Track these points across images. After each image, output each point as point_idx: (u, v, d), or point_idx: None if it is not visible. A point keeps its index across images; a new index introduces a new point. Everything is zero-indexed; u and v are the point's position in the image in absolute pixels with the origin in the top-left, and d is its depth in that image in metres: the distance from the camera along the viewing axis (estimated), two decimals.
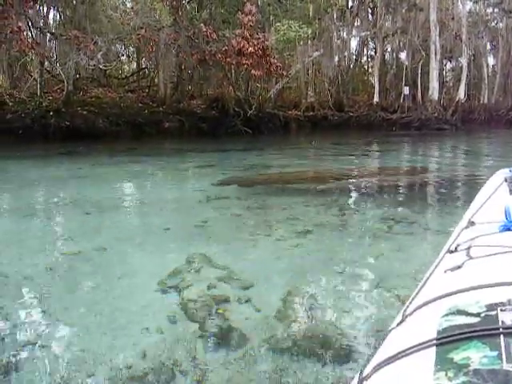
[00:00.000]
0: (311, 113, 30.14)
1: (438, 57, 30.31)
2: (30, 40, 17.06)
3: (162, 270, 4.68)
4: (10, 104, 21.05)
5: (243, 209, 7.62)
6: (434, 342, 1.13)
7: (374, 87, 32.29)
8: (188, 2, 24.79)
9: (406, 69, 32.07)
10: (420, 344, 1.13)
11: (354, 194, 9.59)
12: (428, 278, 1.65)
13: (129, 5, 21.70)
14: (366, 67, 38.89)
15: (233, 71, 24.53)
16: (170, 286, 4.33)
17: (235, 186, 9.78)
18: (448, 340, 1.12)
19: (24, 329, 3.67)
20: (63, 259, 5.14)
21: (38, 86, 22.16)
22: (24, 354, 3.34)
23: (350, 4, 31.43)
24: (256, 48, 20.06)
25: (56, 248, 5.59)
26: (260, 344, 3.35)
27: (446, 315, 1.23)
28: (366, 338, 3.44)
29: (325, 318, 3.80)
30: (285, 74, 23.80)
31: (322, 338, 3.42)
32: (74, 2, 21.11)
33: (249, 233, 6.18)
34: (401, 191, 10.09)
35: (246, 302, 4.03)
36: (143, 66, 30.85)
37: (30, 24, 19.37)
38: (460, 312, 1.22)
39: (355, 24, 32.64)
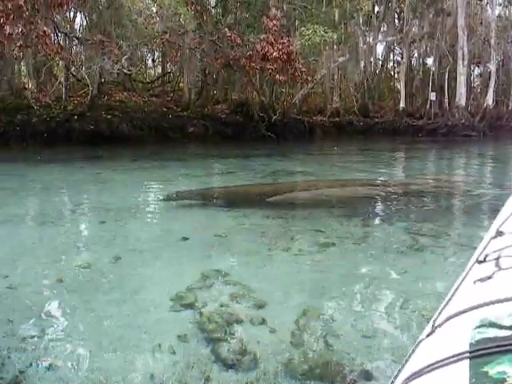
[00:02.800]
0: (336, 118, 29.89)
1: (466, 62, 29.86)
2: (55, 44, 17.11)
3: (176, 285, 4.50)
4: (36, 108, 21.17)
5: (262, 218, 7.42)
6: (467, 354, 1.06)
7: (400, 93, 31.96)
8: (213, 7, 24.75)
9: (433, 74, 31.67)
10: (452, 356, 1.07)
11: (377, 204, 9.23)
12: (457, 289, 1.56)
13: (154, 9, 21.67)
14: (392, 73, 38.49)
15: (257, 76, 24.39)
16: (183, 303, 4.15)
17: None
18: (482, 353, 1.05)
19: (32, 344, 3.53)
20: (75, 271, 4.99)
21: (64, 90, 22.29)
22: (31, 372, 3.21)
23: (376, 9, 31.09)
24: (280, 53, 19.91)
25: (68, 259, 5.45)
26: (274, 369, 3.16)
27: (478, 327, 1.16)
28: (387, 365, 3.21)
29: (343, 342, 3.56)
30: (310, 79, 23.61)
31: (339, 364, 3.21)
32: (100, 6, 21.17)
33: (268, 245, 5.95)
34: (426, 201, 9.74)
35: (261, 323, 3.83)
36: (168, 71, 30.88)
37: (56, 29, 19.46)
38: (492, 324, 1.16)
39: (381, 29, 32.34)
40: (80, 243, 6.13)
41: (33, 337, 3.62)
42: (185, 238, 6.13)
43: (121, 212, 7.80)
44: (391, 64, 38.29)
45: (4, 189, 10.47)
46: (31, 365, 3.29)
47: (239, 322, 3.83)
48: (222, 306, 4.12)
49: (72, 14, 23.17)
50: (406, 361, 1.20)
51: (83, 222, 7.60)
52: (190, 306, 4.11)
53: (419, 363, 1.13)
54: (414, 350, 1.25)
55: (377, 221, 7.79)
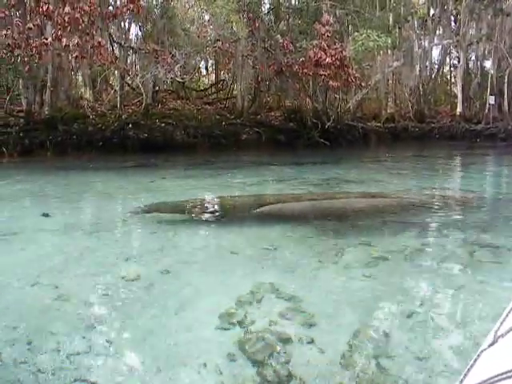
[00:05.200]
0: (391, 124, 29.38)
1: None
2: (110, 55, 17.40)
3: (224, 300, 4.39)
4: (91, 117, 21.58)
5: (312, 231, 7.23)
6: None
7: (457, 97, 31.17)
8: (265, 14, 24.72)
9: (492, 77, 30.73)
10: None
11: (431, 215, 8.78)
12: None
13: (206, 18, 21.81)
14: (448, 77, 37.61)
15: (310, 82, 24.20)
16: (230, 320, 4.03)
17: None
18: None
19: (76, 360, 3.46)
20: (122, 284, 4.93)
21: (118, 98, 22.65)
22: None
23: (432, 11, 30.42)
24: (334, 59, 19.69)
25: (116, 270, 5.39)
26: None
27: None
28: None
29: (396, 365, 3.36)
30: (364, 84, 23.27)
31: None
32: (154, 16, 21.45)
33: (317, 259, 5.75)
34: (485, 210, 9.31)
35: (309, 342, 3.65)
36: (221, 78, 31.03)
37: (111, 39, 19.79)
38: None
39: (437, 32, 31.61)
40: (128, 254, 6.08)
41: (78, 353, 3.56)
42: (233, 253, 6.01)
43: (170, 222, 7.74)
44: (447, 68, 37.41)
45: (55, 197, 10.65)
46: (75, 381, 3.23)
47: (287, 340, 3.67)
48: (270, 323, 3.97)
49: (127, 24, 23.56)
50: (468, 371, 1.15)
51: (132, 232, 7.57)
52: (238, 323, 3.98)
53: (481, 375, 1.07)
54: (475, 361, 1.19)
55: (430, 233, 7.45)
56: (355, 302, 4.45)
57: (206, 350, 3.58)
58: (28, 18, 16.80)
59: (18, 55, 15.90)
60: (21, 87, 20.49)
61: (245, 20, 20.39)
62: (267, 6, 26.12)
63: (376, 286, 4.85)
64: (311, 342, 3.64)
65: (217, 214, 8.16)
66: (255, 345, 3.58)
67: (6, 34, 15.69)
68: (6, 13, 16.09)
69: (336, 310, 4.27)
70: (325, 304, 4.38)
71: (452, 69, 36.82)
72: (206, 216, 7.84)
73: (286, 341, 3.67)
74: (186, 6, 22.99)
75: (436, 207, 9.39)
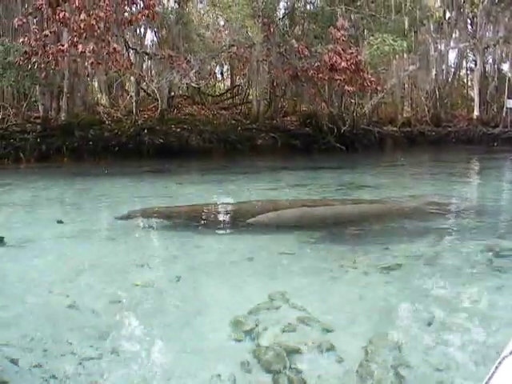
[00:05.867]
0: (407, 128, 29.22)
1: None
2: (126, 61, 17.47)
3: (237, 308, 4.34)
4: (107, 122, 21.70)
5: (326, 238, 7.17)
6: None
7: (474, 101, 30.90)
8: (280, 19, 24.70)
9: (509, 80, 30.43)
10: None
11: (447, 221, 8.68)
12: None
13: (221, 23, 21.83)
14: (464, 80, 37.32)
15: (326, 87, 24.13)
16: (244, 328, 3.98)
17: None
18: None
19: (89, 368, 3.44)
20: (134, 291, 4.91)
21: (134, 104, 22.75)
22: None
23: (448, 15, 30.21)
24: (349, 63, 19.60)
25: (128, 277, 5.37)
26: None
27: None
28: None
29: (414, 376, 3.29)
30: (379, 89, 23.15)
31: None
32: (169, 22, 21.51)
33: (332, 265, 5.68)
34: (503, 217, 9.16)
35: (326, 351, 3.59)
36: (237, 83, 31.05)
37: (126, 45, 19.89)
38: None
39: (453, 35, 31.37)
40: (142, 261, 6.06)
41: (91, 358, 3.54)
42: (250, 259, 5.97)
43: (185, 228, 7.71)
44: (464, 71, 37.13)
45: (71, 203, 10.71)
46: None
47: (302, 349, 3.62)
48: (284, 331, 3.93)
49: (142, 30, 23.69)
50: (489, 378, 1.15)
51: (147, 239, 7.55)
52: (252, 331, 3.93)
53: (503, 381, 1.09)
54: (497, 368, 1.20)
55: (448, 239, 7.33)
56: (373, 309, 4.40)
57: (219, 359, 3.55)
58: (45, 25, 16.94)
59: (34, 62, 16.02)
60: (38, 94, 20.65)
61: (260, 25, 20.36)
62: (282, 10, 26.10)
63: (394, 293, 4.78)
64: (327, 350, 3.59)
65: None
66: (269, 353, 3.54)
67: (23, 41, 15.84)
68: (24, 20, 16.24)
69: (353, 317, 4.22)
70: (342, 311, 4.33)
71: (469, 72, 36.54)
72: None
73: (300, 350, 3.62)
74: (201, 11, 23.05)
75: (452, 213, 9.29)
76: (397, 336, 3.88)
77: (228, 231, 7.88)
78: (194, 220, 8.11)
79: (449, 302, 4.57)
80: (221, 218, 8.96)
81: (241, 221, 7.82)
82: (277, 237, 7.13)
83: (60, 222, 8.05)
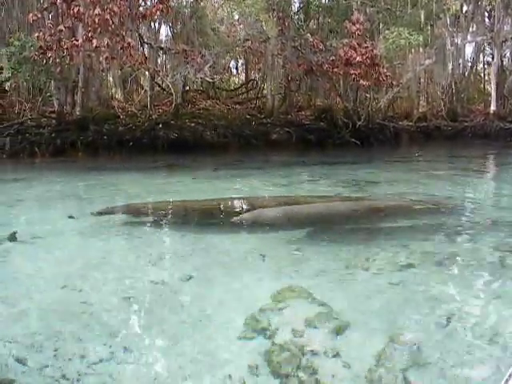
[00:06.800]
0: (423, 123, 28.98)
1: None
2: (140, 55, 17.48)
3: (249, 306, 4.30)
4: (122, 117, 21.75)
5: (340, 234, 7.09)
6: None
7: (491, 95, 30.57)
8: (295, 13, 24.58)
9: None
10: None
11: (462, 218, 8.52)
12: None
13: (236, 17, 21.75)
14: (481, 74, 36.92)
15: (341, 81, 23.99)
16: (256, 328, 3.94)
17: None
18: None
19: (100, 368, 3.42)
20: (147, 288, 4.88)
21: (149, 99, 22.78)
22: None
23: (465, 8, 29.88)
24: (364, 57, 19.46)
25: (141, 274, 5.34)
26: None
27: None
28: None
29: (426, 377, 3.22)
30: (395, 83, 22.96)
31: None
32: (183, 16, 21.48)
33: (345, 264, 5.60)
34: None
35: (335, 354, 3.53)
36: (251, 78, 30.97)
37: (140, 40, 19.89)
38: None
39: (470, 29, 31.03)
40: (155, 257, 6.03)
41: (101, 360, 3.52)
42: (262, 256, 5.92)
43: (198, 226, 7.67)
44: (481, 65, 36.74)
45: (84, 198, 10.72)
46: None
47: (313, 351, 3.57)
48: (295, 332, 3.88)
49: (157, 25, 23.67)
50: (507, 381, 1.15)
51: (161, 235, 7.52)
52: (263, 331, 3.89)
53: None
54: (511, 375, 1.19)
55: (462, 237, 7.20)
56: (385, 310, 4.33)
57: (230, 360, 3.51)
58: (60, 20, 16.99)
59: (50, 57, 16.07)
60: (53, 88, 20.74)
61: (275, 19, 20.28)
62: (297, 4, 26.00)
63: (406, 293, 4.71)
64: (337, 354, 3.53)
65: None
66: (280, 355, 3.49)
67: (38, 36, 15.90)
68: (39, 15, 16.29)
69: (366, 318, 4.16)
70: (353, 312, 4.27)
71: (486, 66, 36.17)
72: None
73: (311, 351, 3.57)
74: (216, 5, 22.96)
75: (468, 210, 9.17)
76: (410, 338, 3.81)
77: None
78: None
79: (463, 303, 4.48)
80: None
81: (224, 218, 7.73)
82: (288, 233, 7.07)
83: (71, 217, 8.05)
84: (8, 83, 19.80)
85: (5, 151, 19.22)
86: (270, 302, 4.40)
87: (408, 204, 8.90)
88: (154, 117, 22.22)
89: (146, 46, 21.04)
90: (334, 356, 3.50)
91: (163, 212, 8.31)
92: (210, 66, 19.71)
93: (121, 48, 15.76)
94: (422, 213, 8.21)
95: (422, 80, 29.77)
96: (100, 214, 7.88)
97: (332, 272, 5.32)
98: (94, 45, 15.15)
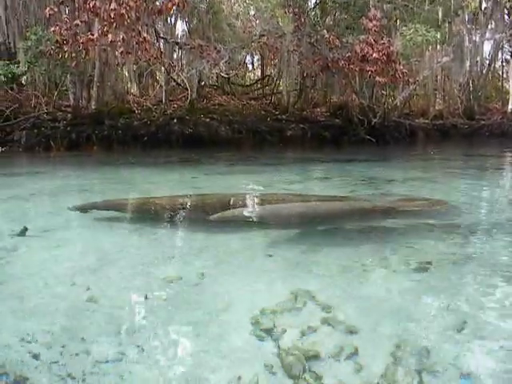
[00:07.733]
0: (440, 121, 28.77)
1: None
2: (156, 50, 17.48)
3: (258, 306, 4.24)
4: (137, 112, 21.79)
5: (354, 232, 7.01)
6: None
7: (509, 93, 30.26)
8: (311, 9, 24.46)
9: None
10: None
11: (478, 217, 8.40)
12: None
13: (251, 12, 21.68)
14: (500, 72, 36.51)
15: (357, 78, 23.84)
16: (264, 328, 3.88)
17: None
18: None
19: (106, 369, 3.39)
20: (156, 286, 4.83)
21: (164, 94, 22.81)
22: None
23: (484, 5, 29.54)
24: (381, 54, 19.31)
25: (150, 272, 5.29)
26: None
27: None
28: None
29: (439, 381, 3.16)
30: (411, 80, 22.77)
31: None
32: (199, 12, 21.47)
33: (358, 263, 5.52)
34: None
35: (347, 357, 3.47)
36: (267, 74, 30.91)
37: (156, 35, 19.90)
38: None
39: (489, 26, 30.68)
40: (167, 254, 6.00)
41: (107, 360, 3.49)
42: (270, 255, 5.85)
43: (211, 222, 7.61)
44: (499, 63, 36.32)
45: (98, 192, 10.73)
46: None
47: (322, 354, 3.52)
48: (303, 334, 3.83)
49: (173, 20, 23.66)
50: None
51: (174, 231, 7.49)
52: (271, 332, 3.84)
53: None
54: None
55: (478, 237, 7.08)
56: (399, 312, 4.26)
57: (239, 361, 3.47)
58: (76, 15, 17.03)
59: (66, 51, 16.13)
60: (68, 83, 20.84)
61: (290, 15, 20.20)
62: (313, 0, 25.85)
63: (421, 295, 4.63)
64: (348, 357, 3.48)
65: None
66: (289, 357, 3.44)
67: (54, 31, 15.94)
68: (55, 10, 16.34)
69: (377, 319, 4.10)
70: (366, 313, 4.21)
71: (504, 64, 35.76)
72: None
73: (321, 354, 3.52)
74: (232, 0, 22.92)
75: (483, 210, 9.06)
76: (423, 342, 3.74)
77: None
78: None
79: (482, 303, 4.39)
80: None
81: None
82: (299, 232, 7.01)
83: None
84: (24, 77, 19.94)
85: (21, 145, 19.38)
86: (277, 303, 4.35)
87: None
88: (168, 112, 22.26)
89: (162, 40, 21.04)
90: (346, 359, 3.45)
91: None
92: (225, 62, 19.71)
93: (136, 43, 15.78)
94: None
95: (438, 77, 29.52)
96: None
97: (347, 271, 5.25)
98: (110, 39, 15.16)
